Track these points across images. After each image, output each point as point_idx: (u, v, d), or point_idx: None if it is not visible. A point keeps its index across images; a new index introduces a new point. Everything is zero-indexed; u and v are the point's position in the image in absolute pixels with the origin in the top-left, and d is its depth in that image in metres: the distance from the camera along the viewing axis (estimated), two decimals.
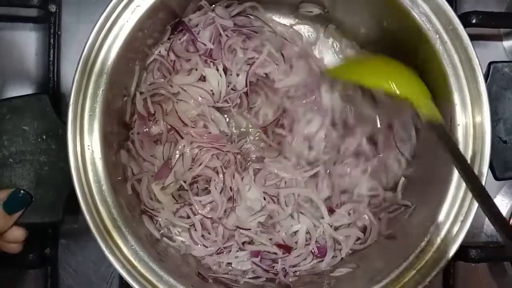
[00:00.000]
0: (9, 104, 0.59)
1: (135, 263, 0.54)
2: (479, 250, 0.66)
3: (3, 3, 0.67)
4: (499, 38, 0.76)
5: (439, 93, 0.57)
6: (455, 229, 0.55)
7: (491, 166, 0.56)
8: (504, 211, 0.76)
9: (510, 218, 0.75)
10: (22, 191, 0.58)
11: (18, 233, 0.56)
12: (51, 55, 0.70)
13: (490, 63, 0.65)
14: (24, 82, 0.71)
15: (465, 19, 0.66)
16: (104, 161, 0.55)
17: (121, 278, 0.67)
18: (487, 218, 0.74)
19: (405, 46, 0.60)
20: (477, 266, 0.75)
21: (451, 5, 0.56)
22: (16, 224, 0.56)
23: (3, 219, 0.55)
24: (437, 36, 0.56)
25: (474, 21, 0.66)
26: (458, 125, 0.56)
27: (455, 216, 0.55)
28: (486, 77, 0.64)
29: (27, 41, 0.72)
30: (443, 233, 0.55)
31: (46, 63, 0.70)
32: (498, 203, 0.76)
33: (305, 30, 0.71)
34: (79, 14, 0.72)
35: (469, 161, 0.55)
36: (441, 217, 0.55)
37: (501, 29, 0.75)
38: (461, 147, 0.55)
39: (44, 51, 0.71)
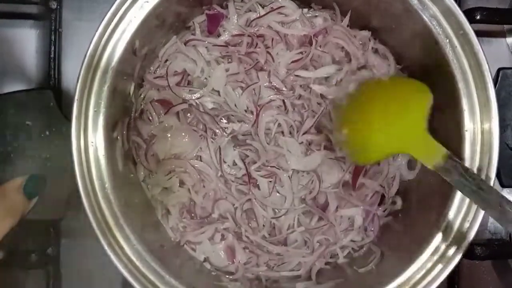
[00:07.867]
0: (13, 99, 0.59)
1: (137, 263, 0.54)
2: (484, 248, 0.66)
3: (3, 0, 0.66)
4: (502, 34, 0.76)
5: (448, 98, 0.56)
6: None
7: (497, 173, 0.55)
8: None
9: None
10: (38, 175, 0.56)
11: None
12: (52, 52, 0.69)
13: (499, 69, 0.65)
14: (25, 79, 0.71)
15: (469, 15, 0.66)
16: (107, 158, 0.54)
17: (124, 277, 0.66)
18: (490, 216, 0.75)
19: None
20: (481, 263, 0.75)
21: (455, 1, 0.56)
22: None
23: (24, 205, 0.54)
24: (447, 40, 0.55)
25: (478, 17, 0.66)
26: (466, 131, 0.54)
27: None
28: (494, 83, 0.63)
29: (28, 38, 0.72)
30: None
31: (47, 60, 0.69)
32: None
33: None
34: (80, 11, 0.72)
35: (476, 169, 0.54)
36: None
37: (504, 26, 0.75)
38: (468, 153, 0.54)
39: (45, 48, 0.70)
